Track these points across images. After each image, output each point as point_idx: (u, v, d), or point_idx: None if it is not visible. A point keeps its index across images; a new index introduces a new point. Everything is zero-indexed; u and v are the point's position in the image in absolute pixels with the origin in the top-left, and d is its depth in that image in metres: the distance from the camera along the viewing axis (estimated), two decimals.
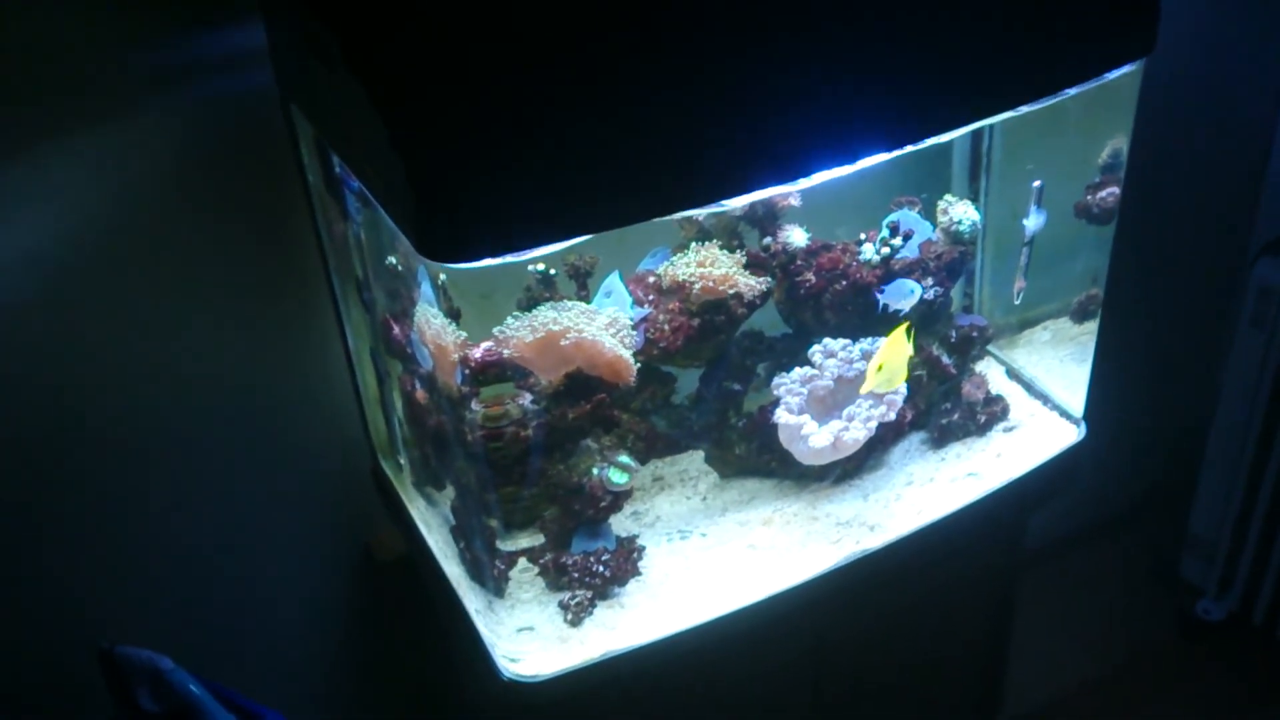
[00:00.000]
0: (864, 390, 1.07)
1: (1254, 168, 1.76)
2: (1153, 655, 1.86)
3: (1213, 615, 1.85)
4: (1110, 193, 1.15)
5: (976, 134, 1.23)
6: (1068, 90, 0.96)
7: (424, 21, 0.83)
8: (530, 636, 1.03)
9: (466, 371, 0.99)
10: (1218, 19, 1.60)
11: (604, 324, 1.04)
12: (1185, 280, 1.84)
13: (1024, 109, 0.95)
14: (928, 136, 0.91)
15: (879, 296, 1.14)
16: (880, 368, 1.05)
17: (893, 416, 1.11)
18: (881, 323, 1.13)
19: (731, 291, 1.10)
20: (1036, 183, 1.15)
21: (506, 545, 1.10)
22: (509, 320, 1.02)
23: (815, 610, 1.09)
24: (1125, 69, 0.99)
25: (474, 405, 1.00)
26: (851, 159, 0.88)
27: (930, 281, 1.16)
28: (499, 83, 0.79)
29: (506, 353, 1.01)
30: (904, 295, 1.13)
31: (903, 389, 1.11)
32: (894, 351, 1.06)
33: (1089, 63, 0.97)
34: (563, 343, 1.01)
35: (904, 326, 1.06)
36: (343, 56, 0.80)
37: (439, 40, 0.81)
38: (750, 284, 1.11)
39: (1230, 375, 1.70)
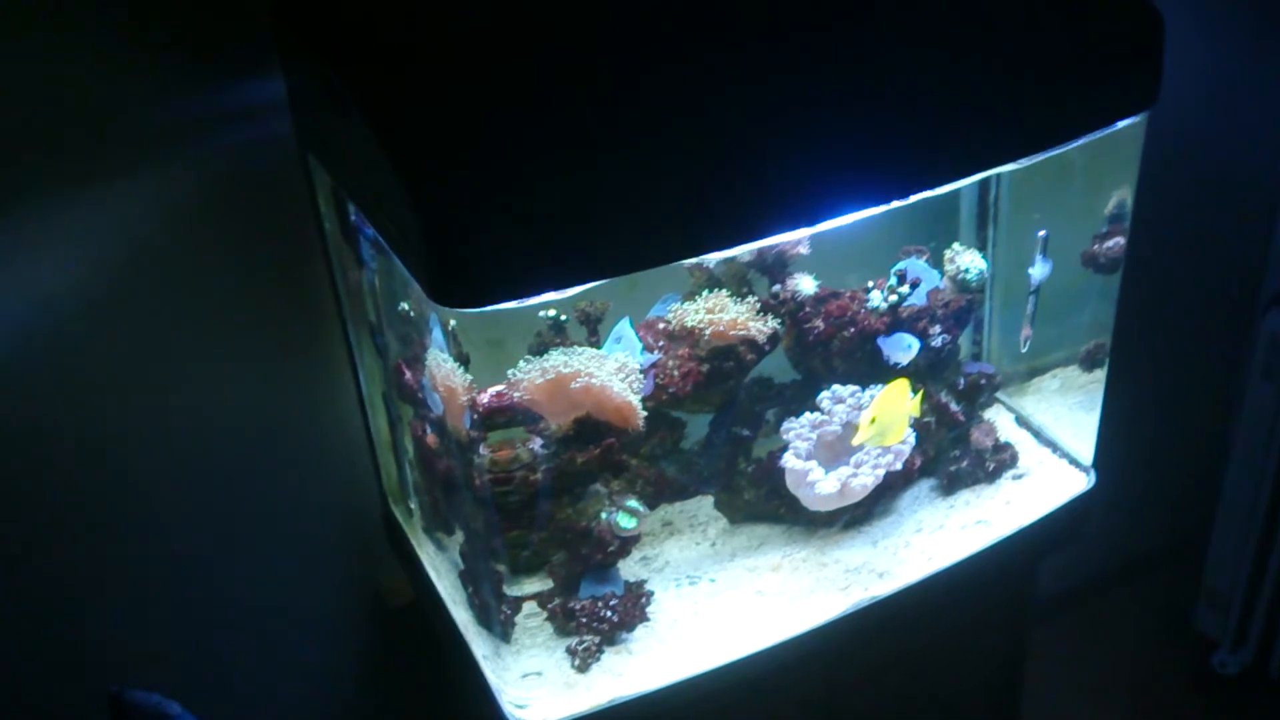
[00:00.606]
0: (855, 442, 1.07)
1: (1263, 218, 1.77)
2: (1167, 708, 1.84)
3: (1228, 668, 1.83)
4: (1116, 242, 1.16)
5: (984, 183, 1.24)
6: (1072, 141, 0.97)
7: (437, 72, 0.85)
8: (537, 682, 1.02)
9: (475, 416, 0.99)
10: (1226, 70, 1.62)
11: (613, 369, 1.05)
12: (1196, 330, 1.84)
13: (1029, 160, 0.96)
14: (934, 186, 0.92)
15: (881, 345, 1.14)
16: (873, 420, 1.05)
17: (899, 466, 1.11)
18: (889, 372, 1.14)
19: (741, 335, 1.11)
20: (1042, 232, 1.15)
21: (514, 590, 1.10)
22: (520, 364, 1.03)
23: (824, 658, 1.09)
24: (1129, 121, 1.00)
25: (482, 450, 1.01)
26: (859, 208, 0.89)
27: (938, 329, 1.17)
28: (511, 132, 0.81)
29: (517, 395, 1.02)
30: (901, 349, 1.14)
31: (910, 438, 1.11)
32: (889, 405, 1.06)
33: (1093, 114, 0.98)
34: (572, 386, 1.02)
35: (904, 381, 1.07)
36: (357, 107, 0.81)
37: (452, 91, 0.83)
38: (759, 327, 1.12)
39: (1242, 427, 1.70)
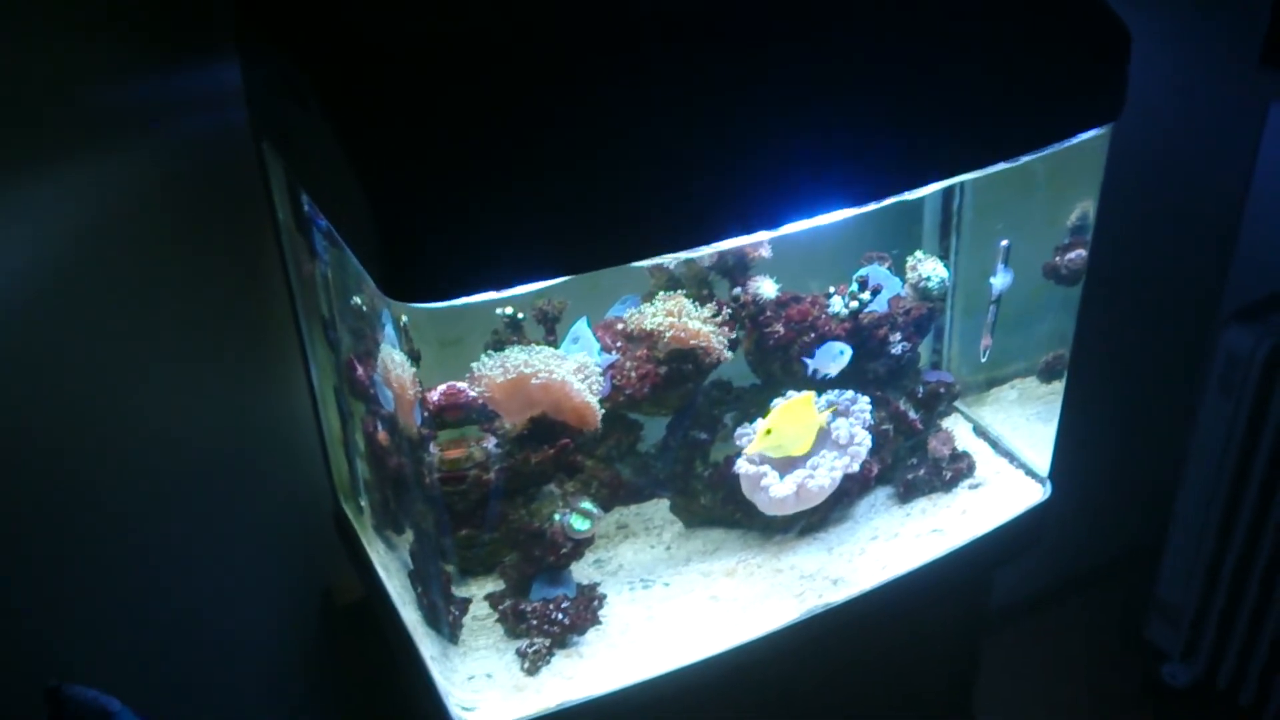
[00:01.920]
0: (748, 451, 1.06)
1: (1224, 234, 1.79)
2: (1117, 718, 1.85)
3: (1178, 680, 1.84)
4: (1078, 254, 1.16)
5: (947, 192, 1.24)
6: (1037, 151, 0.97)
7: (397, 66, 0.83)
8: (486, 684, 1.01)
9: (426, 413, 0.98)
10: (1190, 84, 1.63)
11: (572, 369, 1.04)
12: (1155, 343, 1.86)
13: (993, 169, 0.96)
14: (895, 194, 0.91)
15: (807, 362, 1.13)
16: (768, 431, 1.04)
17: (856, 469, 1.11)
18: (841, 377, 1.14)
19: (701, 345, 1.10)
20: (1004, 242, 1.16)
21: (465, 591, 1.09)
22: (482, 358, 1.02)
23: (778, 664, 1.08)
24: (1093, 132, 1.00)
25: (432, 448, 0.99)
26: (821, 213, 0.88)
27: (899, 337, 1.17)
28: (468, 125, 0.79)
29: (476, 391, 1.01)
30: (833, 358, 1.13)
31: (867, 440, 1.11)
32: (790, 417, 1.05)
33: (1057, 125, 0.98)
34: (532, 383, 1.00)
35: (809, 394, 1.06)
36: (314, 95, 0.80)
37: (410, 82, 0.81)
38: (718, 346, 1.11)
39: (1198, 440, 1.71)
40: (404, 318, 0.88)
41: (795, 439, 1.06)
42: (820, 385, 1.14)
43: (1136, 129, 1.04)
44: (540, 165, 0.78)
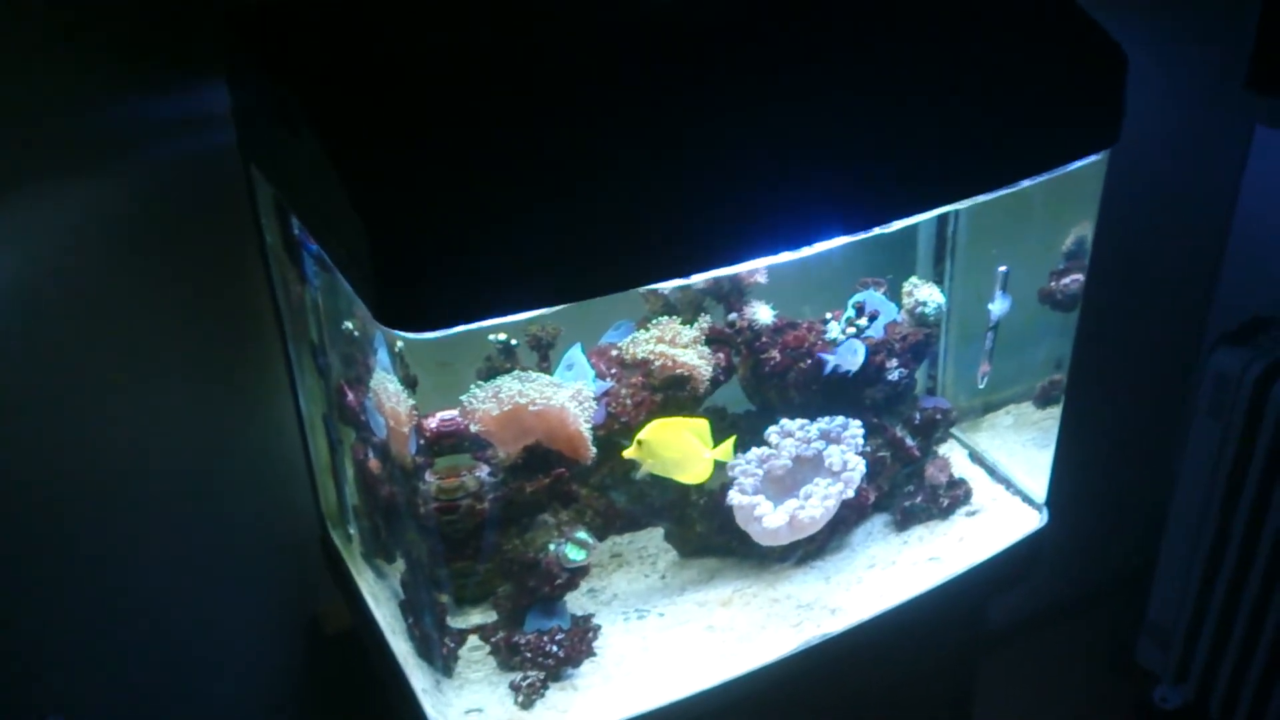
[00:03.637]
0: (623, 454, 1.04)
1: (1211, 260, 1.80)
2: None
3: (1169, 703, 1.84)
4: (1074, 279, 1.15)
5: (942, 217, 1.24)
6: (1033, 178, 0.97)
7: (389, 89, 0.82)
8: (479, 719, 0.99)
9: (421, 441, 0.96)
10: (1176, 108, 1.64)
11: (568, 396, 1.02)
12: (1146, 368, 1.86)
13: (990, 195, 0.96)
14: (892, 220, 0.91)
15: (826, 358, 1.12)
16: (639, 442, 1.02)
17: (851, 494, 1.10)
18: (845, 404, 1.12)
19: (686, 374, 1.09)
20: (1002, 268, 1.15)
21: (457, 622, 1.07)
22: (473, 389, 1.00)
23: (775, 694, 1.06)
24: (1089, 159, 1.00)
25: (428, 476, 0.97)
26: (816, 241, 0.87)
27: (895, 363, 1.16)
28: (463, 152, 0.78)
29: (471, 424, 0.99)
30: (854, 353, 1.12)
31: (860, 466, 1.09)
32: (669, 434, 1.03)
33: (1053, 152, 0.98)
34: (527, 411, 0.99)
35: (703, 422, 1.04)
36: (306, 119, 0.78)
37: (403, 107, 0.80)
38: (703, 375, 1.10)
39: (1187, 464, 1.71)
40: (399, 343, 0.87)
41: (674, 464, 1.04)
42: (820, 404, 1.13)
43: (1123, 153, 1.04)
44: (535, 192, 0.77)
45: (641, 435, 1.02)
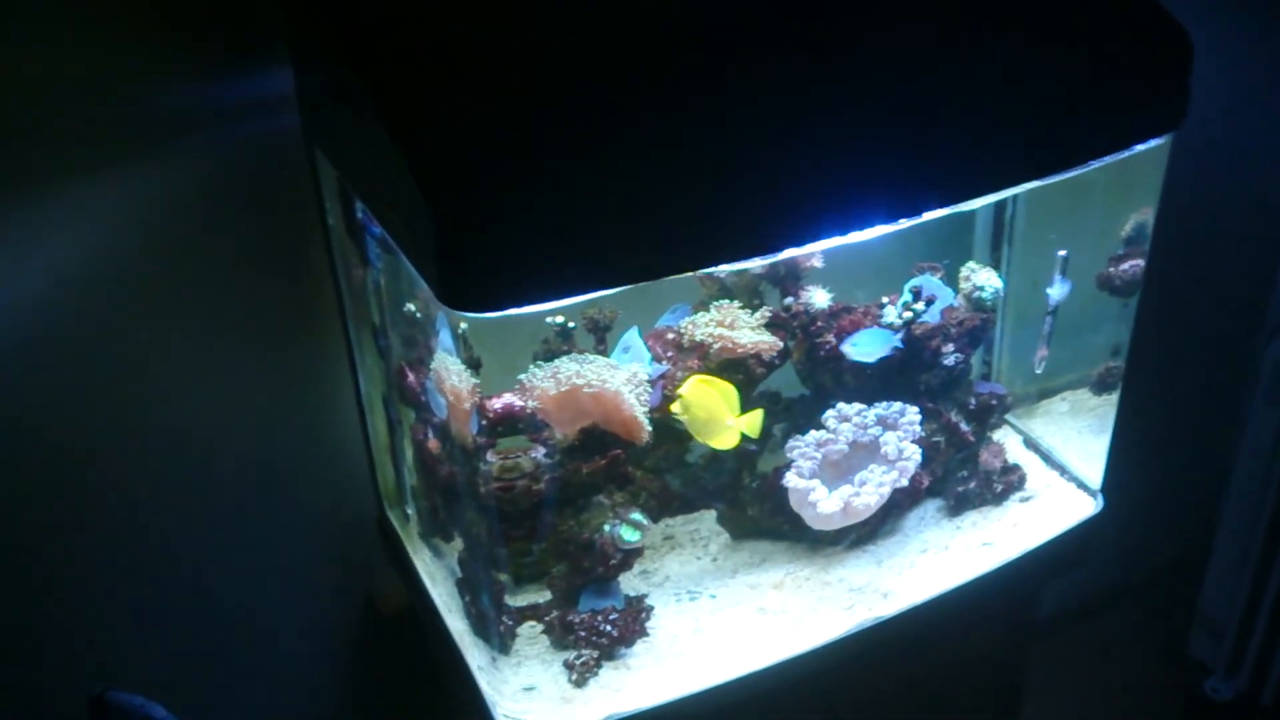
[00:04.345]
0: (669, 408, 1.06)
1: (1272, 249, 1.76)
2: None
3: (1221, 694, 1.82)
4: (1134, 265, 1.14)
5: (1000, 202, 1.23)
6: (1095, 161, 0.96)
7: (455, 73, 0.83)
8: (533, 696, 1.00)
9: (484, 422, 0.97)
10: (1247, 104, 1.61)
11: (624, 379, 1.03)
12: (1204, 355, 1.84)
13: (1052, 179, 0.95)
14: (953, 204, 0.90)
15: (845, 350, 1.11)
16: (680, 398, 1.04)
17: (905, 483, 1.10)
18: (900, 389, 1.12)
19: (751, 354, 1.09)
20: (1062, 252, 1.14)
21: (515, 601, 1.08)
22: (532, 369, 1.01)
23: (826, 677, 1.07)
24: (1153, 142, 0.99)
25: (490, 456, 0.99)
26: (875, 224, 0.87)
27: (951, 348, 1.15)
28: (525, 134, 0.78)
29: (529, 403, 1.00)
30: (879, 342, 1.11)
31: (916, 454, 1.09)
32: (705, 399, 1.04)
33: (1117, 135, 0.96)
34: (584, 393, 1.00)
35: (729, 388, 1.05)
36: (372, 103, 0.79)
37: (469, 92, 0.81)
38: (767, 344, 1.10)
39: (1243, 453, 1.69)
40: (463, 325, 0.88)
41: (702, 425, 1.05)
42: (875, 389, 1.13)
43: (1187, 138, 1.03)
44: (598, 175, 0.78)
45: (682, 390, 1.04)
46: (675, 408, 1.05)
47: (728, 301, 1.12)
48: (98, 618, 1.19)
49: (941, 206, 0.89)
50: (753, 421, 1.07)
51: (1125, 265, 1.15)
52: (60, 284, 1.03)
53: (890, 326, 1.13)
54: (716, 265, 0.86)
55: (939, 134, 0.87)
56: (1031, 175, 0.94)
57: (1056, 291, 1.15)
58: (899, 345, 1.13)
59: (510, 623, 1.05)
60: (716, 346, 1.09)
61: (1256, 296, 1.81)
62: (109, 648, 1.20)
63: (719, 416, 1.05)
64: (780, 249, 0.87)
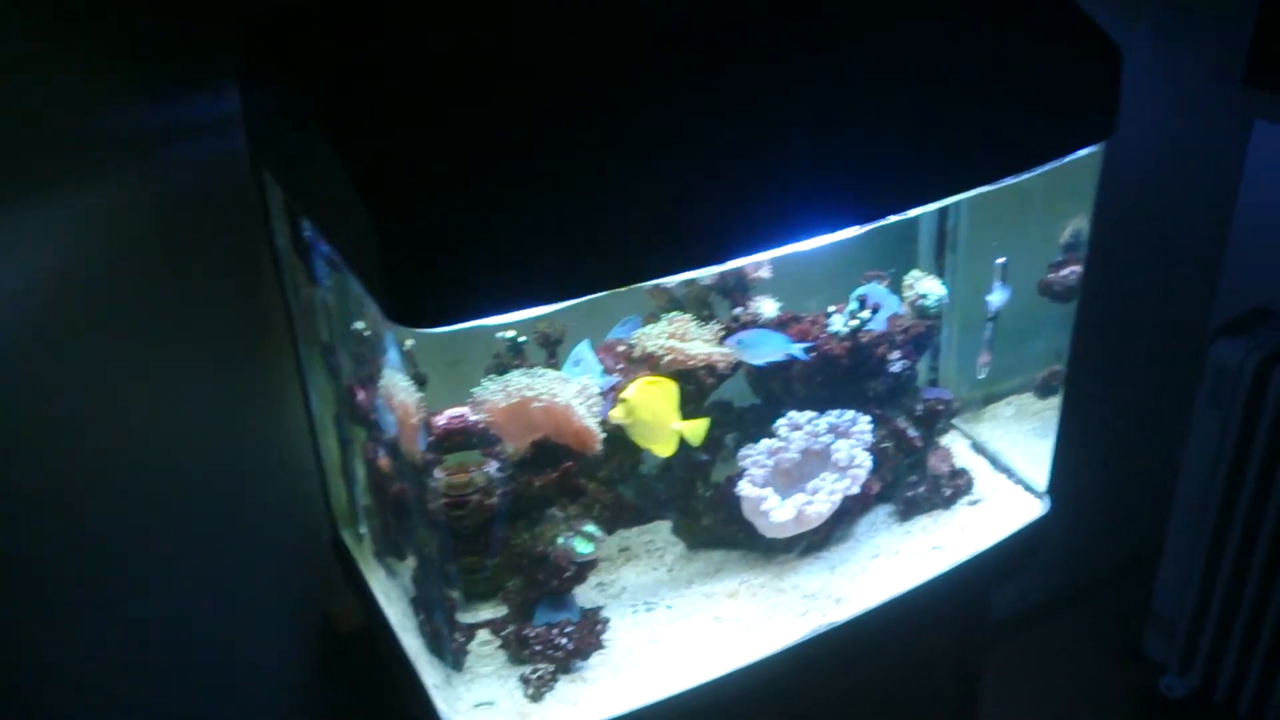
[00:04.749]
0: (610, 416, 1.04)
1: (1211, 250, 1.81)
2: None
3: (1175, 692, 1.85)
4: (1072, 271, 1.17)
5: (943, 211, 1.25)
6: (1030, 170, 0.98)
7: (397, 89, 0.83)
8: (490, 712, 1.00)
9: (431, 438, 0.97)
10: (1176, 103, 1.65)
11: (575, 391, 1.03)
12: (1150, 359, 1.87)
13: (987, 188, 0.97)
14: (894, 213, 0.92)
15: (731, 345, 1.10)
16: (623, 402, 1.02)
17: (857, 490, 1.11)
18: (851, 397, 1.13)
19: (703, 366, 1.10)
20: (1001, 260, 1.16)
21: (467, 617, 1.08)
22: (484, 383, 1.02)
23: (781, 684, 1.07)
24: (1085, 152, 1.01)
25: (437, 472, 0.99)
26: (819, 234, 0.88)
27: (898, 354, 1.17)
28: (471, 150, 0.79)
29: (479, 417, 1.00)
30: (760, 346, 1.10)
31: (867, 462, 1.11)
32: (650, 403, 1.03)
33: (1048, 146, 0.99)
34: (534, 407, 1.00)
35: (671, 385, 1.04)
36: (315, 119, 0.80)
37: (412, 107, 0.81)
38: (721, 354, 1.11)
39: (1190, 454, 1.72)
40: (409, 342, 0.88)
41: (645, 428, 1.04)
42: (824, 397, 1.14)
43: (1123, 147, 1.05)
44: (543, 188, 0.78)
45: (625, 394, 1.02)
46: (617, 412, 1.03)
47: (679, 314, 1.13)
48: (47, 639, 1.17)
49: (879, 218, 0.91)
50: (696, 428, 1.07)
51: (1064, 271, 1.18)
52: (5, 304, 1.02)
53: (837, 336, 1.14)
54: (661, 278, 0.87)
55: (876, 148, 0.89)
56: (963, 186, 0.96)
57: (996, 298, 1.17)
58: (797, 355, 1.12)
59: (463, 639, 1.05)
60: (668, 359, 1.10)
61: (1200, 301, 1.85)
62: (60, 669, 1.19)
63: (665, 419, 1.05)
64: (726, 259, 0.88)
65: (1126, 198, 1.55)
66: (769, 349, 1.11)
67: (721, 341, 1.12)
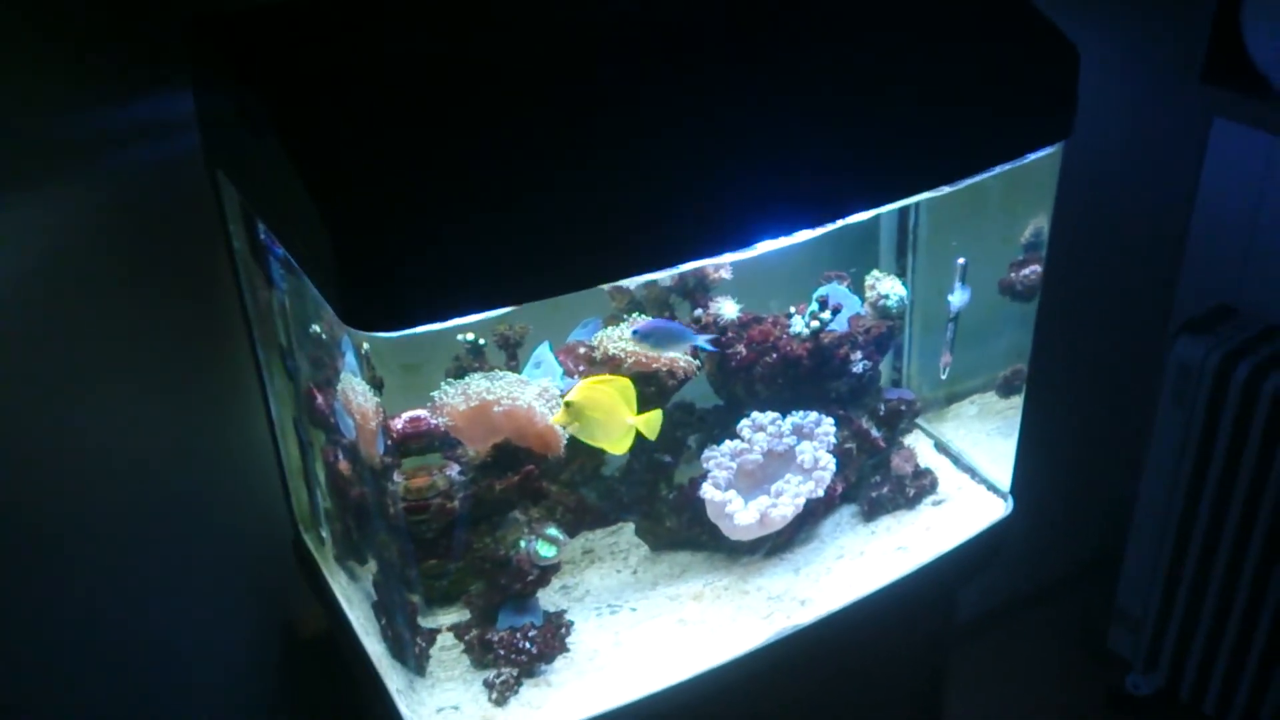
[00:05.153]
0: (553, 421, 1.02)
1: (1172, 248, 1.82)
2: None
3: (1141, 690, 1.86)
4: (1033, 270, 1.17)
5: (903, 211, 1.25)
6: (988, 171, 0.98)
7: (352, 93, 0.83)
8: (454, 716, 1.00)
9: (389, 441, 0.97)
10: (1134, 102, 1.67)
11: (535, 394, 1.03)
12: (1110, 356, 1.89)
13: (946, 189, 0.97)
14: (852, 214, 0.92)
15: (633, 338, 1.07)
16: (568, 404, 0.99)
17: (821, 493, 1.11)
18: (813, 399, 1.13)
19: (664, 369, 1.10)
20: (961, 260, 1.17)
21: (430, 621, 1.07)
22: (443, 386, 1.01)
23: (747, 686, 1.07)
24: (1044, 151, 1.01)
25: (396, 476, 0.98)
26: (778, 235, 0.88)
27: (859, 355, 1.17)
28: (425, 152, 0.79)
29: (439, 420, 1.00)
30: (677, 340, 1.07)
31: (831, 464, 1.11)
32: (598, 397, 0.99)
33: (1009, 145, 0.99)
34: (494, 410, 1.00)
35: (627, 382, 1.02)
36: (269, 123, 0.79)
37: (366, 111, 0.81)
38: (684, 362, 1.11)
39: (1153, 452, 1.74)
40: (365, 345, 0.88)
41: (598, 427, 1.01)
42: (786, 398, 1.14)
43: (1083, 147, 1.06)
44: (497, 191, 0.78)
45: (570, 397, 0.99)
46: (561, 417, 1.00)
47: (639, 315, 1.13)
48: (3, 651, 1.16)
49: (836, 219, 0.91)
50: (651, 421, 1.04)
51: (1025, 271, 1.18)
52: None
53: (798, 337, 1.15)
54: (615, 280, 0.87)
55: (835, 149, 0.89)
56: (925, 187, 0.96)
57: (957, 298, 1.18)
58: (703, 347, 1.11)
59: (425, 644, 1.04)
60: (630, 361, 1.10)
61: (1161, 298, 1.87)
62: (18, 675, 1.17)
63: (618, 416, 1.02)
64: (685, 260, 0.88)
65: (1086, 196, 1.56)
66: (671, 342, 1.09)
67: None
